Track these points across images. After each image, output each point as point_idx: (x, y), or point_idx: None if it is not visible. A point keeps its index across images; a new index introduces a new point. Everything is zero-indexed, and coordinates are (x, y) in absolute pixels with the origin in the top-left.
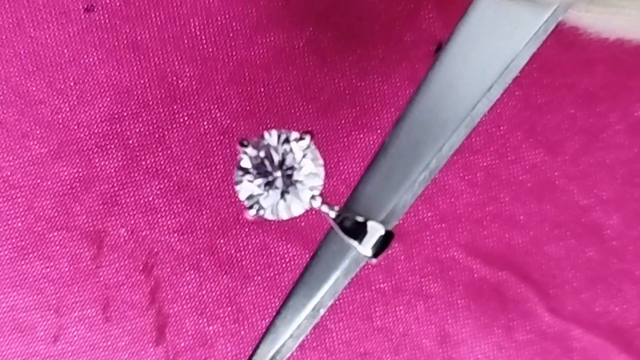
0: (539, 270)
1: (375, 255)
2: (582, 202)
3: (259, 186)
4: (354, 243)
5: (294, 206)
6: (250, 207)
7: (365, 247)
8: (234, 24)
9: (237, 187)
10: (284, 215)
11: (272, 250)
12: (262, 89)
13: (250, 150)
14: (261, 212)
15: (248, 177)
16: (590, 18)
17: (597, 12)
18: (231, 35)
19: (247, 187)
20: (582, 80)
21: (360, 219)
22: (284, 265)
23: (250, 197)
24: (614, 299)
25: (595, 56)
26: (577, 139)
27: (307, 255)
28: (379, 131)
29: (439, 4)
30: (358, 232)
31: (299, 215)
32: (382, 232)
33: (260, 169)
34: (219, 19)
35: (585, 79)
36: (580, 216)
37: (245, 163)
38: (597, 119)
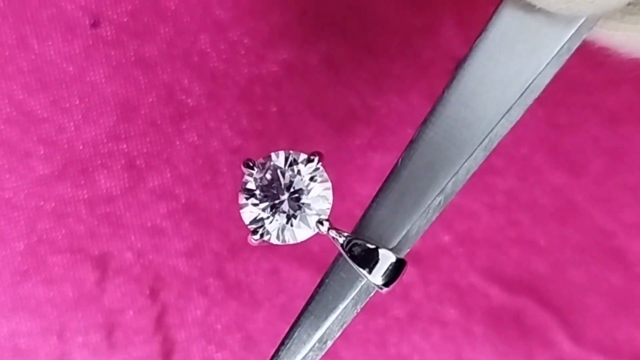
0: (560, 297)
1: (386, 284)
2: (606, 226)
3: (264, 210)
4: (364, 271)
5: (301, 231)
6: (255, 232)
7: (376, 276)
8: (244, 40)
9: (242, 211)
10: (290, 240)
11: (284, 275)
12: (274, 107)
13: (255, 172)
14: (266, 237)
15: (253, 200)
16: (622, 37)
17: (629, 30)
18: (242, 51)
19: (252, 210)
20: (607, 100)
21: (371, 245)
22: (295, 291)
23: (254, 221)
24: (637, 327)
25: (621, 76)
26: (600, 160)
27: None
28: (394, 152)
29: (459, 19)
30: (368, 259)
31: (309, 239)
32: (394, 260)
33: (266, 192)
34: (229, 34)
35: (611, 99)
36: (604, 241)
37: (251, 185)
38: (621, 141)
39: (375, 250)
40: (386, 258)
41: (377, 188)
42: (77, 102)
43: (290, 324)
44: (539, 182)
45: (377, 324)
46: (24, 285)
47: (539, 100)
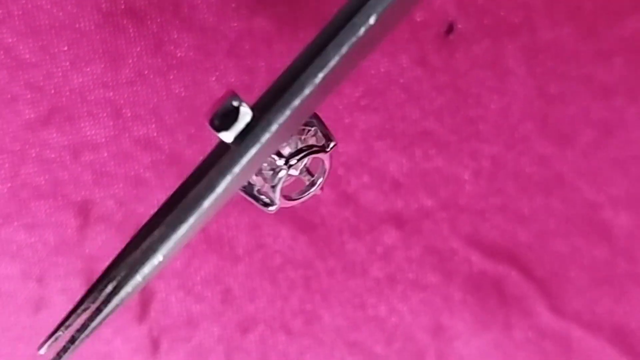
0: (542, 267)
1: (235, 141)
2: (592, 199)
3: None
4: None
5: None
6: None
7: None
8: None
9: None
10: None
11: (264, 231)
12: (263, 63)
13: None
14: None
15: None
16: None
17: None
18: (233, 5)
19: None
20: (599, 72)
21: (235, 103)
22: (275, 247)
23: None
24: (618, 301)
25: (613, 47)
26: (589, 132)
27: (301, 237)
28: (382, 112)
29: None
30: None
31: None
32: (250, 115)
33: None
34: None
35: (603, 71)
36: (589, 213)
37: None
38: (612, 114)
39: (238, 108)
40: (244, 115)
41: (363, 148)
42: (66, 48)
43: (269, 280)
44: (526, 151)
45: (357, 285)
46: (5, 228)
47: (529, 70)
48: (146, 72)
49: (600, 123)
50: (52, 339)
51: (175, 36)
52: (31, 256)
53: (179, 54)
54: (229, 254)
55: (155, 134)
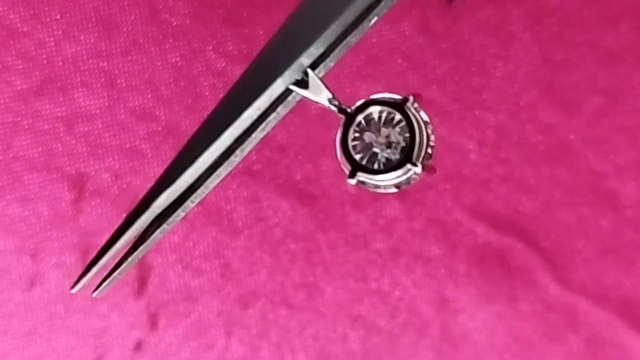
0: (548, 238)
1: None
2: (598, 168)
3: None
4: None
5: None
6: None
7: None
8: None
9: None
10: None
11: (264, 204)
12: (261, 32)
13: None
14: None
15: None
16: None
17: None
18: None
19: None
20: (605, 38)
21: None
22: (276, 220)
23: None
24: (625, 272)
25: (620, 13)
26: (596, 100)
27: (302, 210)
28: (383, 81)
29: None
30: None
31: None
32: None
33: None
34: None
35: (609, 36)
36: (595, 183)
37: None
38: (619, 81)
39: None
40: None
41: None
42: (58, 16)
43: (270, 253)
44: (531, 119)
45: (359, 257)
46: None
47: (534, 35)
48: (141, 40)
49: (606, 90)
50: (85, 279)
51: (171, 3)
52: (25, 230)
53: (174, 22)
54: (228, 227)
55: (151, 105)
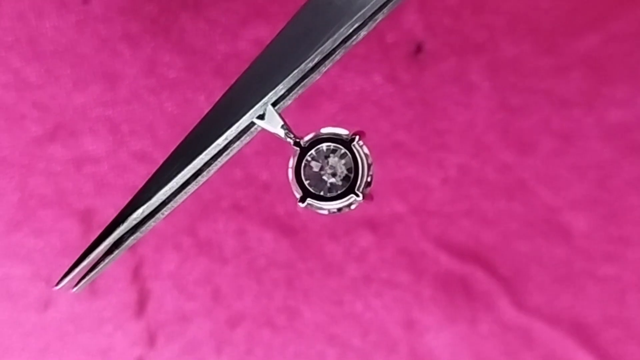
0: (506, 266)
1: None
2: (552, 203)
3: None
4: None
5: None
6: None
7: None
8: (222, 18)
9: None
10: None
11: (250, 235)
12: None
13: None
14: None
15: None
16: None
17: None
18: (219, 29)
19: None
20: (558, 85)
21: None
22: (260, 250)
23: None
24: (576, 297)
25: (572, 62)
26: (550, 141)
27: (284, 241)
28: (357, 127)
29: (421, 5)
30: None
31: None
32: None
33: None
34: (208, 12)
35: (561, 84)
36: (549, 216)
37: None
38: (571, 123)
39: None
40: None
41: None
42: (69, 71)
43: (256, 279)
44: (490, 159)
45: (335, 283)
46: (16, 234)
47: (493, 84)
48: (141, 91)
49: (559, 132)
50: (68, 277)
51: (167, 59)
52: (40, 259)
53: (170, 75)
54: (218, 257)
55: (150, 148)
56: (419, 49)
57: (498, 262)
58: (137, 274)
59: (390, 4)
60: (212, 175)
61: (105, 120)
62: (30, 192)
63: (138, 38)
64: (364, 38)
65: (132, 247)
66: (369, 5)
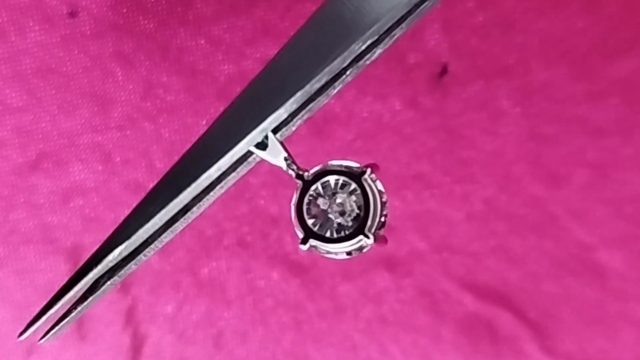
0: (534, 308)
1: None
2: (584, 240)
3: None
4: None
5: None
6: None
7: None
8: (226, 36)
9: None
10: None
11: (256, 274)
12: None
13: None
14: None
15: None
16: None
17: None
18: (223, 47)
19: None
20: (593, 112)
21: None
22: (267, 290)
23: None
24: (610, 341)
25: (608, 88)
26: (583, 173)
27: (292, 280)
28: (373, 155)
29: (445, 24)
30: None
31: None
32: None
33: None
34: (210, 29)
35: (597, 111)
36: (581, 254)
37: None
38: (606, 154)
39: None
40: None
41: None
42: (53, 92)
43: (261, 323)
44: (519, 192)
45: (348, 327)
46: None
47: (523, 111)
48: (135, 116)
49: (593, 163)
50: (34, 327)
51: (165, 80)
52: (22, 301)
53: (168, 98)
54: (220, 298)
55: (145, 179)
56: (443, 71)
57: (526, 304)
58: (130, 317)
59: (410, 18)
60: (203, 212)
61: (94, 148)
62: (11, 227)
63: (132, 56)
64: (379, 57)
65: (124, 288)
66: (384, 19)
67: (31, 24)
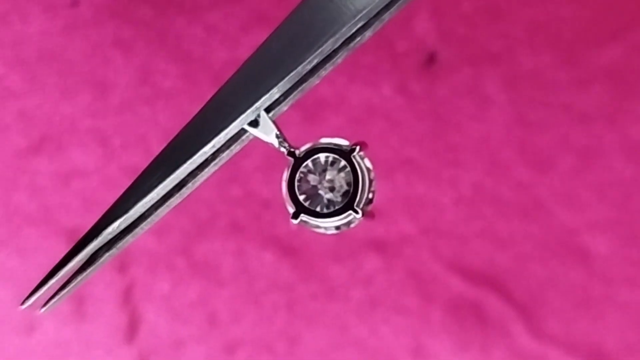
0: (521, 290)
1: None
2: (569, 223)
3: None
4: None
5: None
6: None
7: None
8: (222, 24)
9: None
10: None
11: (249, 256)
12: None
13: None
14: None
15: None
16: None
17: None
18: (219, 35)
19: None
20: (579, 99)
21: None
22: (260, 271)
23: None
24: (595, 323)
25: (593, 75)
26: (568, 159)
27: (285, 262)
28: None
29: (434, 12)
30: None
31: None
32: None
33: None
34: (206, 17)
35: (582, 97)
36: (567, 237)
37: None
38: (591, 140)
39: None
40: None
41: None
42: (55, 79)
43: (254, 303)
44: (505, 177)
45: (338, 308)
46: None
47: (509, 98)
48: (134, 102)
49: (579, 149)
50: (35, 296)
51: (162, 66)
52: (23, 281)
53: (166, 84)
54: (214, 279)
55: (143, 163)
56: (431, 58)
57: (513, 287)
58: (128, 296)
59: (398, 3)
60: (197, 187)
61: (94, 132)
62: (14, 208)
63: (131, 44)
64: (369, 41)
65: (123, 268)
66: (374, 4)
67: (35, 12)
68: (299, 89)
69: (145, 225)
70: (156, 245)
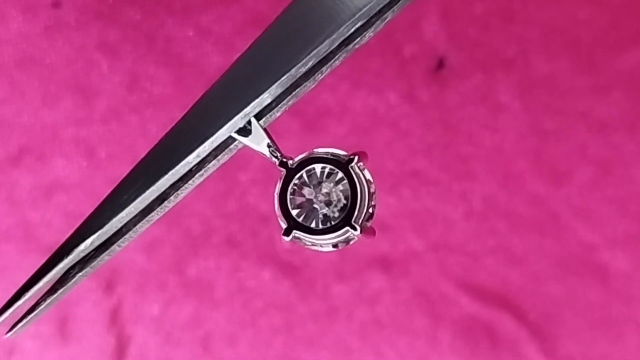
0: (535, 310)
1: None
2: (587, 239)
3: None
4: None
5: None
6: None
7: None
8: (215, 26)
9: None
10: None
11: (246, 274)
12: None
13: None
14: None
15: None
16: None
17: None
18: (212, 38)
19: None
20: (597, 107)
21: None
22: (257, 290)
23: None
24: (614, 344)
25: (612, 81)
26: (586, 170)
27: (284, 280)
28: (368, 151)
29: (443, 14)
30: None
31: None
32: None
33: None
34: (198, 19)
35: (601, 106)
36: (584, 254)
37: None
38: (610, 151)
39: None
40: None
41: None
42: (36, 84)
43: (250, 324)
44: (519, 190)
45: (342, 329)
46: None
47: (524, 105)
48: (121, 109)
49: (597, 160)
50: (5, 314)
51: (152, 72)
52: (3, 300)
53: (155, 91)
54: (208, 298)
55: None
56: (440, 63)
57: (527, 306)
58: (115, 317)
59: (402, 0)
60: (180, 201)
61: (78, 142)
62: None
63: (117, 47)
64: (370, 41)
65: (109, 287)
66: (374, 1)
67: (13, 14)
68: (293, 93)
69: (122, 243)
70: (146, 262)
